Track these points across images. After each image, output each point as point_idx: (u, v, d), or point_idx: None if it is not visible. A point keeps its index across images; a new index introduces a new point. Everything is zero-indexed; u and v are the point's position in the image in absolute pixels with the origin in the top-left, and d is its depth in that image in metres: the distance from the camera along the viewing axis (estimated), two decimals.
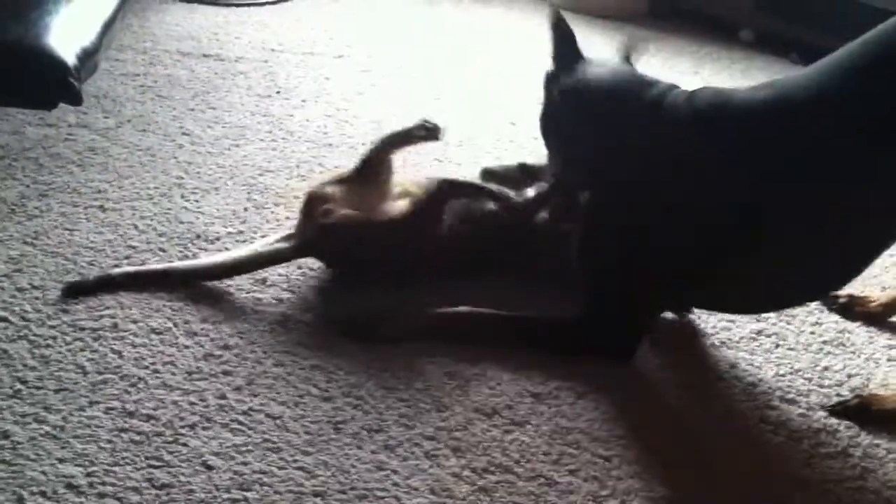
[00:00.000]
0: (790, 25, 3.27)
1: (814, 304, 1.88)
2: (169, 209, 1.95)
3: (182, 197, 2.00)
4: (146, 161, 2.13)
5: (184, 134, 2.27)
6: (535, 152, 2.43)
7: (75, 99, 1.55)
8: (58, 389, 1.42)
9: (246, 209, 1.98)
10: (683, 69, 3.10)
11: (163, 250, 1.80)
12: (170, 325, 1.60)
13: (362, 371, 1.54)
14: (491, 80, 2.90)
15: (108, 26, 1.75)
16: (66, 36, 1.60)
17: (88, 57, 1.60)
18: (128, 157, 2.13)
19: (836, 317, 1.86)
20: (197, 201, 1.99)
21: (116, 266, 1.73)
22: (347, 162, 2.14)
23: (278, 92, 2.58)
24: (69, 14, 1.66)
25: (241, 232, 1.89)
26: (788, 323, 1.82)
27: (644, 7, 3.63)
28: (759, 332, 1.78)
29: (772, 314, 1.83)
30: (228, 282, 1.73)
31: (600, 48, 3.19)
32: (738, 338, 1.76)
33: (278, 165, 2.18)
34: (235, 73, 2.66)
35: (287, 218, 1.93)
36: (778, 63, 3.20)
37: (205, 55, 2.76)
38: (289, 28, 3.08)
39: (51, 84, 1.56)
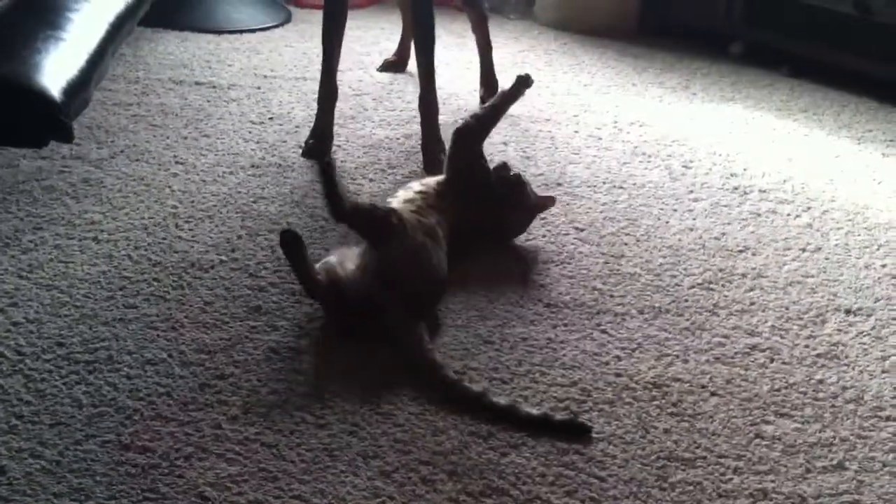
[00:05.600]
0: (782, 39, 3.28)
1: (806, 317, 1.89)
2: (163, 239, 1.96)
3: (176, 226, 2.01)
4: (140, 191, 2.14)
5: (177, 163, 2.29)
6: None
7: (66, 136, 1.56)
8: (53, 424, 1.43)
9: (240, 237, 1.99)
10: (674, 85, 3.11)
11: (157, 280, 1.81)
12: (164, 355, 1.60)
13: (357, 397, 1.55)
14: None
15: (98, 61, 1.76)
16: (56, 74, 1.61)
17: (79, 94, 1.61)
18: (122, 188, 2.14)
19: (829, 330, 1.86)
20: (191, 230, 2.00)
21: (111, 297, 1.74)
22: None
23: (271, 118, 2.60)
24: (59, 51, 1.67)
25: (235, 259, 1.91)
26: (782, 337, 1.83)
27: (633, 23, 3.65)
28: (754, 347, 1.79)
29: (766, 329, 1.84)
30: (223, 310, 1.74)
31: (589, 66, 3.23)
32: (733, 353, 1.77)
33: (272, 192, 2.19)
34: (228, 101, 2.68)
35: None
36: (768, 76, 3.21)
37: (197, 83, 2.78)
38: (281, 54, 3.10)
39: (41, 123, 1.57)
